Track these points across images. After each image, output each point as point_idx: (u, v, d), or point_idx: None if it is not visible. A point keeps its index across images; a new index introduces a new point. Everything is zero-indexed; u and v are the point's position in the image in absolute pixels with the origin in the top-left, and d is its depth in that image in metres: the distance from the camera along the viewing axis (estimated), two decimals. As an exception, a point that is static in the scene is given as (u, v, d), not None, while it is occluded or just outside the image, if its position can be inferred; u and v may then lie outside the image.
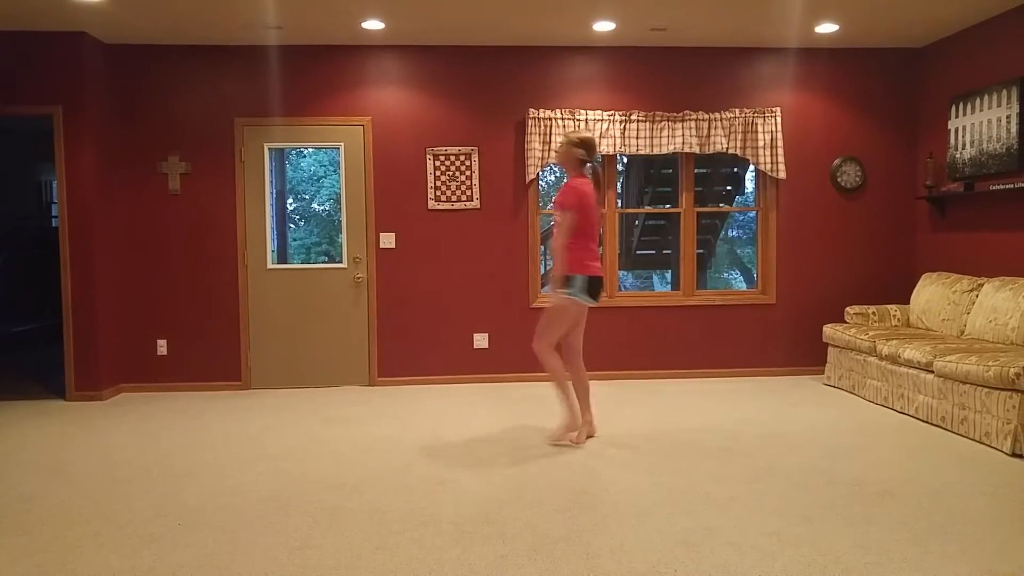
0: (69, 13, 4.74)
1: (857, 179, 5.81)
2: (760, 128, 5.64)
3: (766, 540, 2.75)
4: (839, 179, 5.81)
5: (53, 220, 8.93)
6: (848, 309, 5.53)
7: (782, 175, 5.68)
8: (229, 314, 5.58)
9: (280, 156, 7.95)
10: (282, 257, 7.49)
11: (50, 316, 5.73)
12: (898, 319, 5.44)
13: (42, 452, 4.01)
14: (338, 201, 5.69)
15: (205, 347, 5.59)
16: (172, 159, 5.48)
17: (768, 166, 5.67)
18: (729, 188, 9.13)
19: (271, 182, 5.70)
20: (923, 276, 5.48)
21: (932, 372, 4.29)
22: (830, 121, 5.81)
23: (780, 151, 5.65)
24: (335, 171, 10.41)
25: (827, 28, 5.22)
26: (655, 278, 13.02)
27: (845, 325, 5.38)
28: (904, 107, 5.85)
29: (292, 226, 11.36)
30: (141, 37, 5.28)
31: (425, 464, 3.72)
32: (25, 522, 3.01)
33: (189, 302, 5.56)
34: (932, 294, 5.22)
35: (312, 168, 12.00)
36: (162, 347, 5.57)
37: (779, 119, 5.65)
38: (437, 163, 5.59)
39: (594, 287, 3.90)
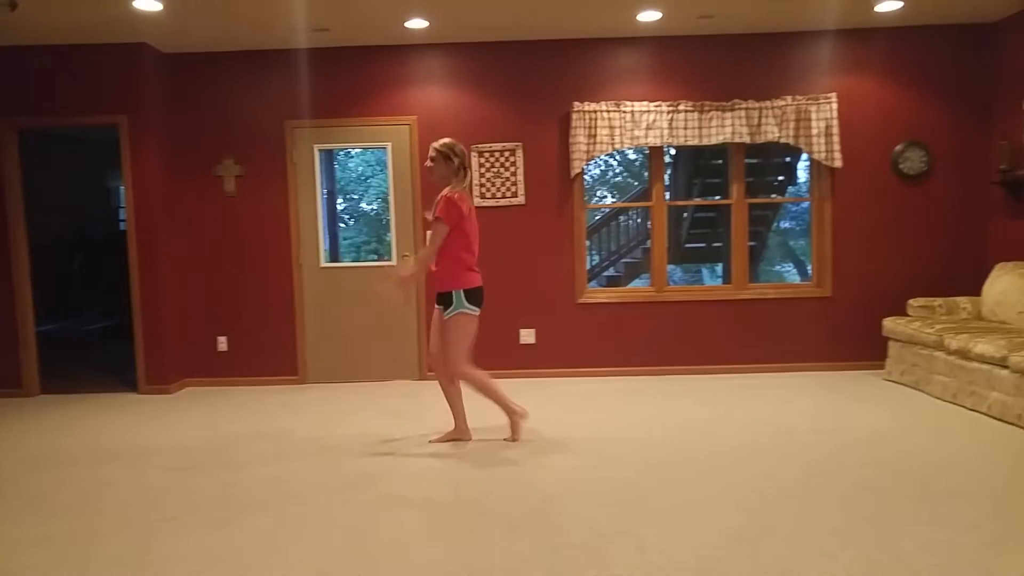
0: (130, 26, 4.92)
1: (922, 165, 5.59)
2: (814, 115, 5.48)
3: (825, 538, 2.67)
4: (901, 165, 5.60)
5: (121, 224, 9.30)
6: (911, 302, 5.33)
7: (838, 163, 5.51)
8: (285, 311, 5.71)
9: (329, 157, 8.09)
10: (334, 256, 7.62)
11: (122, 314, 5.99)
12: (968, 312, 5.20)
13: (119, 441, 4.22)
14: (386, 200, 5.77)
15: (263, 343, 5.74)
16: (227, 162, 5.64)
17: (823, 155, 5.51)
18: (781, 178, 8.93)
19: (321, 182, 5.81)
20: (997, 266, 5.21)
21: (1007, 367, 4.09)
22: (891, 105, 5.60)
23: (836, 138, 5.48)
24: (382, 171, 10.53)
25: (889, 6, 5.01)
26: (704, 272, 12.82)
27: (908, 318, 5.19)
28: (975, 87, 5.56)
29: (342, 225, 11.56)
30: (195, 45, 5.44)
31: (475, 457, 3.74)
32: (106, 506, 3.18)
33: (247, 300, 5.71)
34: (1007, 285, 4.97)
35: (360, 168, 12.21)
36: (222, 343, 5.74)
37: (835, 105, 5.47)
38: (482, 160, 5.61)
39: (477, 297, 3.92)
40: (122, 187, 5.60)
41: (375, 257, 10.57)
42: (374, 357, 5.72)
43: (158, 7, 4.57)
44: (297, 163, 5.64)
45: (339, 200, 11.74)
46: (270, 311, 5.71)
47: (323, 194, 5.89)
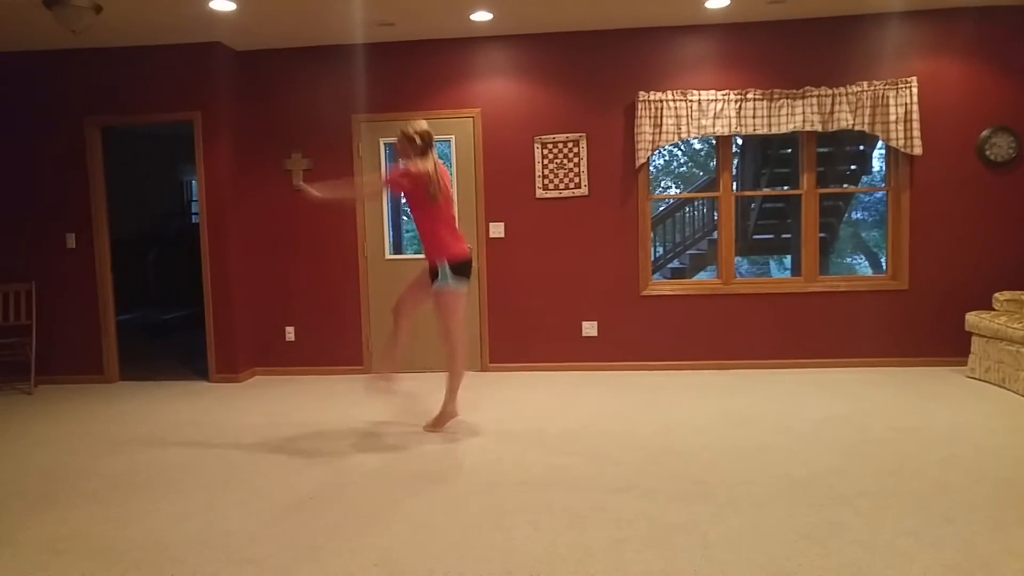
0: (205, 25, 5.09)
1: (1010, 151, 5.28)
2: (892, 101, 5.25)
3: (902, 540, 2.57)
4: (987, 152, 5.31)
5: (193, 217, 9.66)
6: (997, 295, 5.06)
7: (917, 151, 5.26)
8: (351, 302, 5.83)
9: (393, 150, 8.20)
10: (397, 248, 7.74)
11: (195, 305, 6.22)
12: (1057, 306, 4.91)
13: (191, 427, 4.38)
14: (450, 192, 5.82)
15: (329, 333, 5.88)
16: (295, 156, 5.78)
17: (901, 142, 5.27)
18: (854, 167, 8.61)
19: (386, 176, 5.89)
20: (1085, 257, 4.92)
21: (1097, 363, 3.86)
22: (977, 88, 5.31)
23: (915, 125, 5.24)
24: (445, 163, 10.59)
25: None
26: (772, 264, 12.50)
27: (993, 312, 4.93)
28: (1063, 69, 5.24)
29: (405, 218, 11.72)
30: (266, 42, 5.59)
31: (537, 449, 3.74)
32: (182, 488, 3.32)
33: (314, 291, 5.86)
34: (1096, 277, 4.67)
35: (424, 161, 12.34)
36: (290, 333, 5.90)
37: (915, 89, 5.23)
38: (545, 151, 5.58)
39: (461, 269, 3.97)
40: (195, 181, 5.81)
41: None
42: (437, 348, 5.76)
43: (232, 7, 4.72)
44: (363, 156, 5.73)
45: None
46: (336, 302, 5.84)
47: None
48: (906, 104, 5.24)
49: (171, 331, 8.11)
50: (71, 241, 5.70)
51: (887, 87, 5.26)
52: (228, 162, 5.64)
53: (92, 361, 5.77)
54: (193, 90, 5.52)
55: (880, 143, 5.67)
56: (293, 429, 4.28)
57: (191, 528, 2.86)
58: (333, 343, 5.87)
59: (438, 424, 4.13)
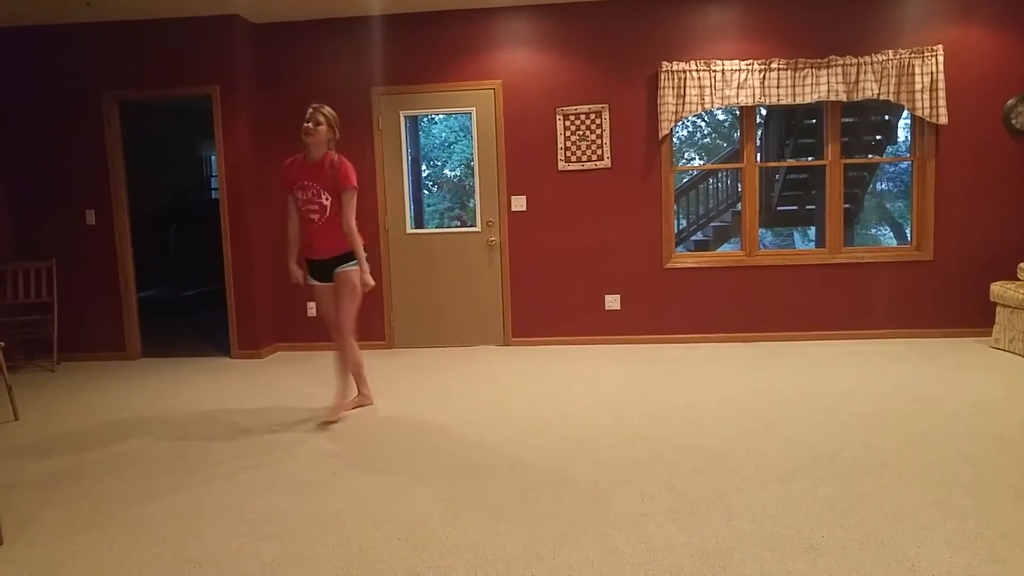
0: (223, -2, 5.09)
1: (1036, 120, 5.19)
2: (918, 70, 5.14)
3: (924, 510, 2.59)
4: (1014, 120, 5.21)
5: (213, 192, 9.70)
6: (1022, 265, 4.99)
7: (943, 120, 5.17)
8: (372, 277, 5.84)
9: (413, 123, 8.18)
10: (418, 222, 7.76)
11: (216, 281, 6.27)
12: (1084, 276, 4.85)
13: (216, 404, 4.46)
14: (468, 166, 5.81)
15: (351, 308, 5.92)
16: (316, 131, 5.78)
17: (927, 111, 5.17)
18: (879, 137, 8.47)
19: (406, 149, 5.90)
20: (1117, 227, 4.83)
21: None
22: (1003, 56, 5.19)
23: (941, 94, 5.14)
24: (465, 136, 10.58)
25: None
26: (796, 235, 12.39)
27: (1018, 283, 4.87)
28: (1097, 34, 5.11)
29: (426, 192, 11.72)
30: (284, 15, 5.57)
31: (561, 422, 3.78)
32: (205, 464, 3.37)
33: (335, 266, 5.89)
34: None
35: (443, 135, 12.31)
36: (311, 309, 5.96)
37: (940, 58, 5.12)
38: (567, 123, 5.55)
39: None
40: (214, 156, 5.82)
41: (458, 224, 10.68)
42: (460, 322, 5.83)
43: (251, -20, 4.71)
44: (383, 130, 5.73)
45: (422, 167, 11.89)
46: (359, 276, 5.87)
47: (408, 161, 5.98)
48: (932, 73, 5.14)
49: (192, 308, 8.15)
50: (91, 218, 5.74)
51: (912, 56, 5.15)
52: (247, 136, 5.66)
53: (114, 338, 5.85)
54: (211, 64, 5.52)
55: (905, 112, 5.58)
56: (316, 404, 4.35)
57: (214, 504, 2.90)
58: (356, 318, 5.90)
59: (336, 411, 4.01)
